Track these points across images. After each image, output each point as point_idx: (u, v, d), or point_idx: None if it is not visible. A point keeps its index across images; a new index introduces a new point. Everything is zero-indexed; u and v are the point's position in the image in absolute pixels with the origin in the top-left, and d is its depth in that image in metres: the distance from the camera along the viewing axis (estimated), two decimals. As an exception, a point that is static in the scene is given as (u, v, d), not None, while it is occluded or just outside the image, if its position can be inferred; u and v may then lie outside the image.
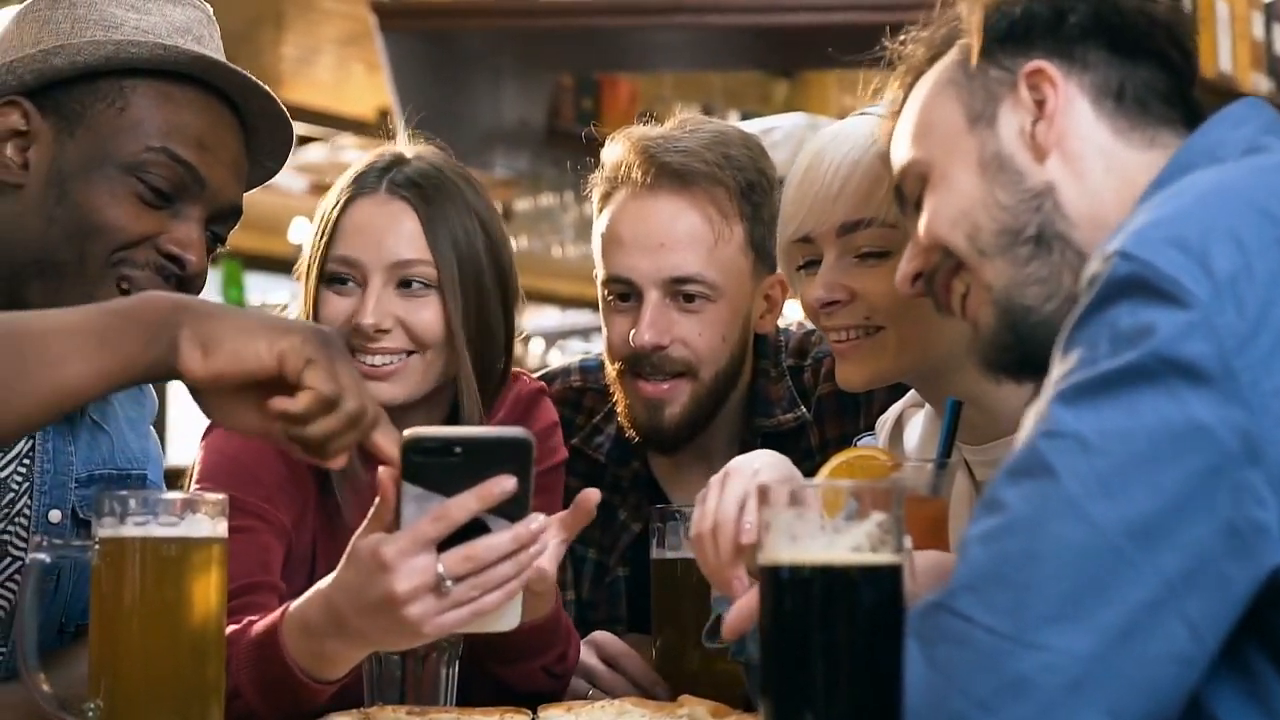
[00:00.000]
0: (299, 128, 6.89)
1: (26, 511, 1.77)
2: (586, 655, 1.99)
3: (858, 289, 1.76)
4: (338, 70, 7.38)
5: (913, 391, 1.92)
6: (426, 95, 4.89)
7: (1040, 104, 1.42)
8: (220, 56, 1.81)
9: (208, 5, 1.88)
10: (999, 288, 1.43)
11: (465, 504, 1.38)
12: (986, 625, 1.15)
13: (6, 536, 1.76)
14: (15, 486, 1.77)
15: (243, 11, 6.52)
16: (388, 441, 1.42)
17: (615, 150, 2.18)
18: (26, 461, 1.78)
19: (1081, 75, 1.43)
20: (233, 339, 1.35)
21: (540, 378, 2.37)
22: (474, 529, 1.40)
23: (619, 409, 2.22)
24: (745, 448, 2.23)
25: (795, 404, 2.24)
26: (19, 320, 1.40)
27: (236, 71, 1.78)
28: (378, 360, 1.97)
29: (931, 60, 1.54)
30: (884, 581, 1.20)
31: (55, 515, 1.79)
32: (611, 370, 2.21)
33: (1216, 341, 1.13)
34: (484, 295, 2.02)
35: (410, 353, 1.99)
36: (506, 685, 1.85)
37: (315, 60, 7.31)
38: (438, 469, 1.39)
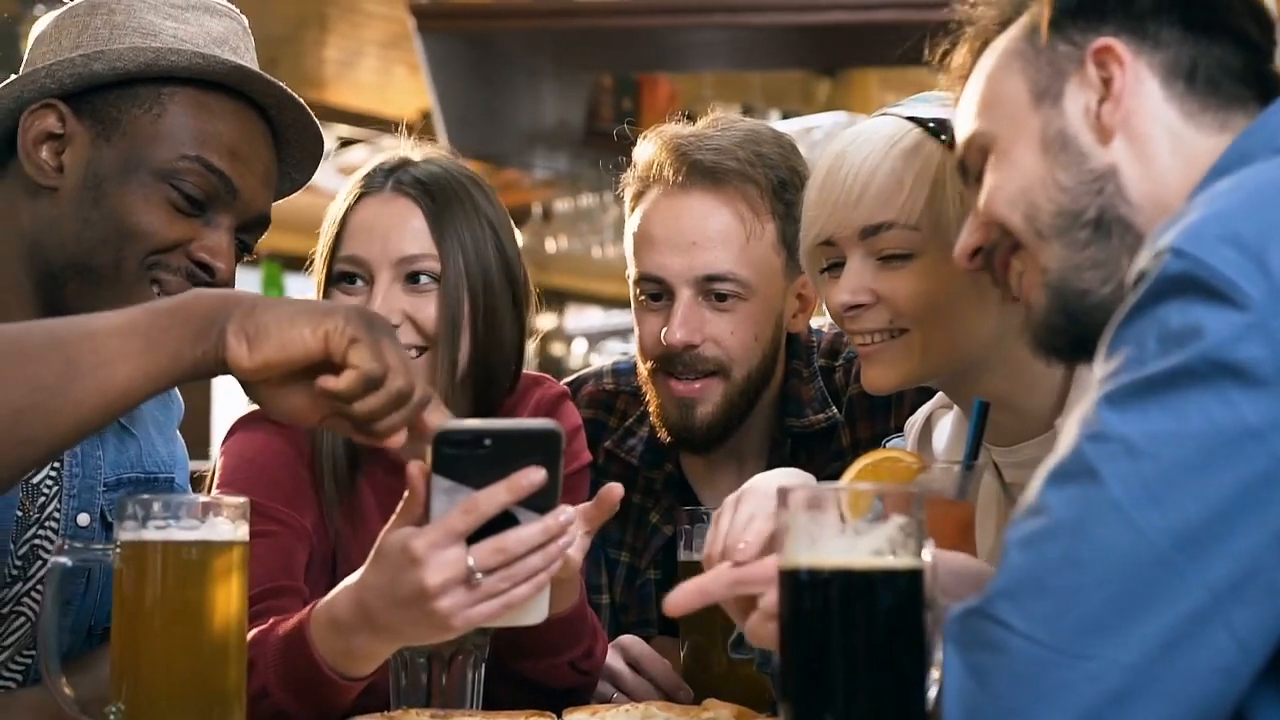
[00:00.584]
0: (341, 130, 6.94)
1: (56, 515, 1.79)
2: (612, 659, 1.98)
3: (882, 292, 1.74)
4: (380, 73, 7.39)
5: (941, 393, 1.90)
6: (466, 97, 4.90)
7: (1107, 83, 1.38)
8: (255, 68, 1.82)
9: (243, 17, 1.90)
10: (1054, 270, 1.39)
11: (495, 496, 1.38)
12: (1025, 633, 1.12)
13: (38, 541, 1.77)
14: (46, 491, 1.79)
15: (285, 14, 6.54)
16: (439, 420, 1.43)
17: (647, 149, 2.18)
18: (57, 466, 1.80)
19: (1152, 54, 1.38)
20: (277, 328, 1.37)
21: (573, 380, 2.37)
22: (503, 521, 1.40)
23: (651, 409, 2.22)
24: (776, 448, 2.23)
25: (826, 404, 2.23)
26: (65, 326, 1.42)
27: (273, 83, 1.79)
28: None
29: (1001, 25, 1.49)
30: (903, 585, 1.19)
31: (84, 519, 1.80)
32: (643, 370, 2.21)
33: (1272, 345, 1.09)
34: (491, 294, 2.01)
35: (421, 350, 1.99)
36: (533, 682, 1.84)
37: (358, 63, 7.32)
38: (467, 461, 1.39)
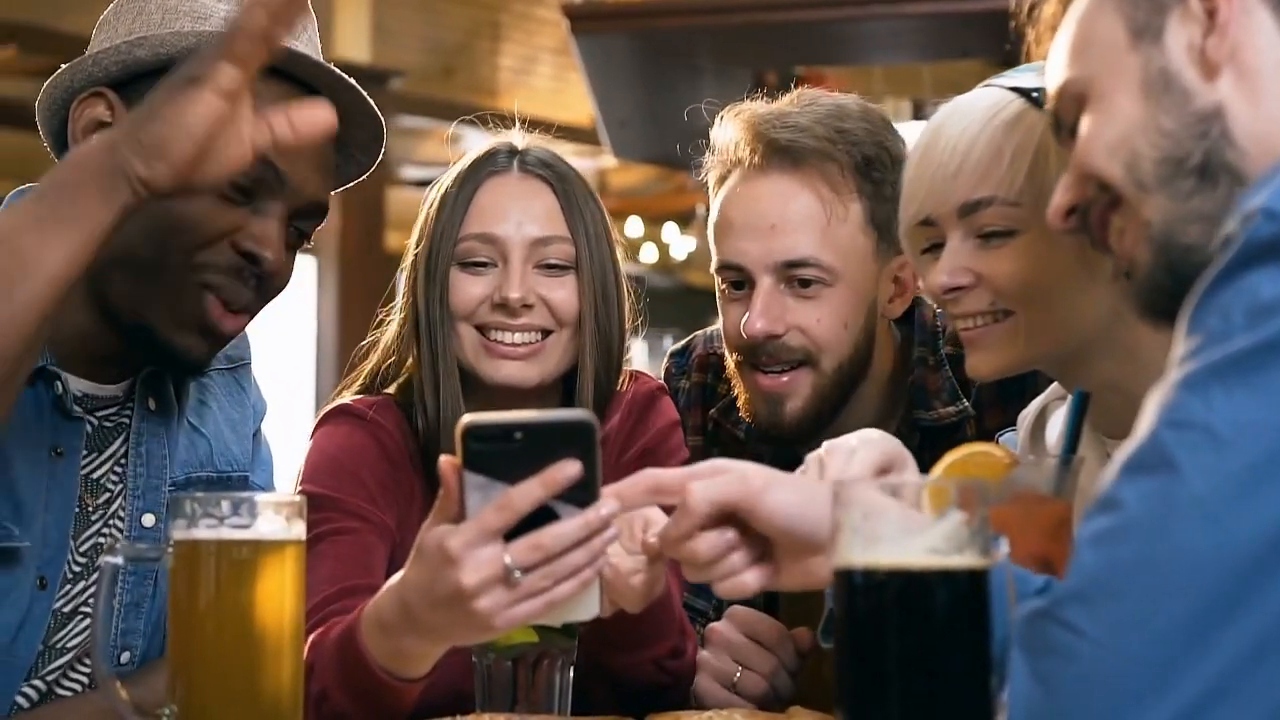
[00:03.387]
0: (515, 138, 7.03)
1: (121, 514, 1.78)
2: (727, 629, 1.82)
3: (983, 272, 1.64)
4: (554, 79, 7.46)
5: (1056, 384, 1.79)
6: (625, 99, 4.88)
7: (1211, 15, 1.27)
8: (313, 50, 1.79)
9: None
10: (1157, 224, 1.29)
11: (529, 492, 1.32)
12: (1096, 639, 1.04)
13: (101, 539, 1.76)
14: (110, 488, 1.78)
15: (459, 24, 6.63)
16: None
17: (726, 131, 2.09)
18: (123, 463, 1.79)
19: None
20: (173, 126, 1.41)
21: (682, 345, 2.33)
22: (545, 516, 1.34)
23: (739, 402, 2.13)
24: (902, 444, 2.11)
25: (957, 396, 2.09)
26: None
27: (322, 65, 1.75)
28: (518, 338, 1.97)
29: None
30: (964, 586, 1.11)
31: (149, 519, 1.79)
32: (730, 362, 2.13)
33: None
34: (607, 282, 2.00)
35: (547, 333, 1.98)
36: (616, 679, 1.79)
37: (533, 70, 7.39)
38: (499, 456, 1.34)
